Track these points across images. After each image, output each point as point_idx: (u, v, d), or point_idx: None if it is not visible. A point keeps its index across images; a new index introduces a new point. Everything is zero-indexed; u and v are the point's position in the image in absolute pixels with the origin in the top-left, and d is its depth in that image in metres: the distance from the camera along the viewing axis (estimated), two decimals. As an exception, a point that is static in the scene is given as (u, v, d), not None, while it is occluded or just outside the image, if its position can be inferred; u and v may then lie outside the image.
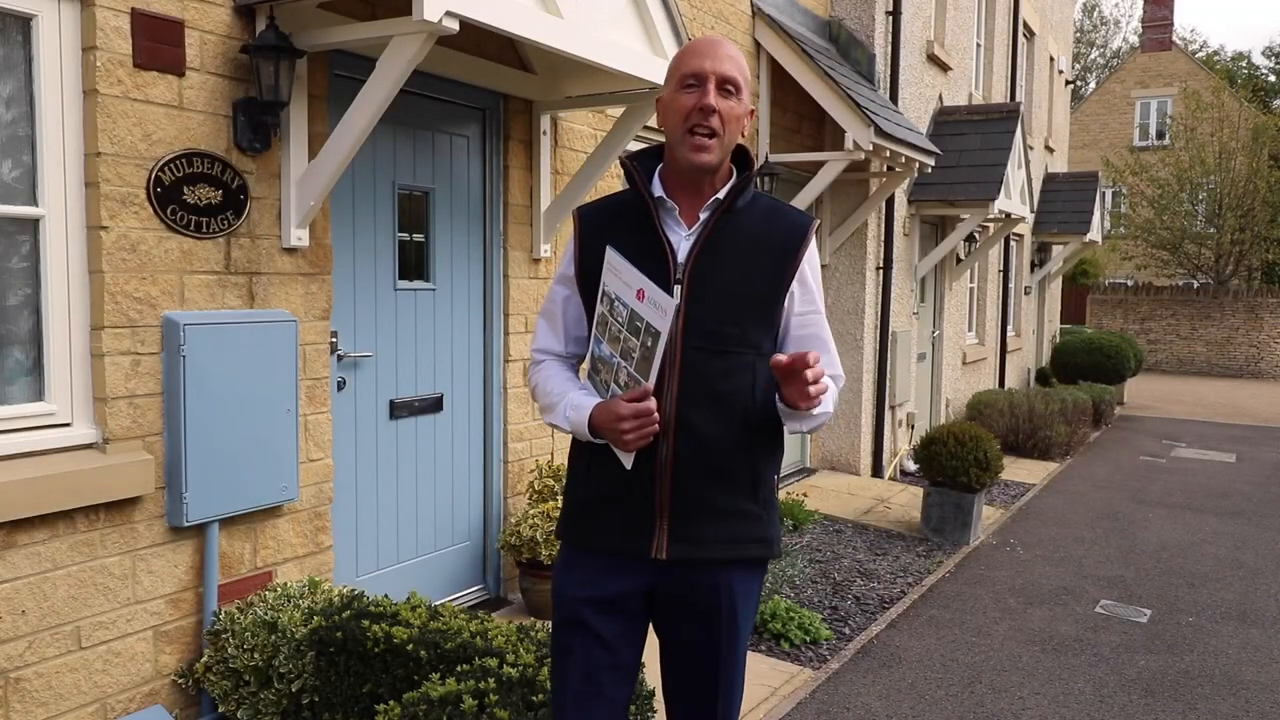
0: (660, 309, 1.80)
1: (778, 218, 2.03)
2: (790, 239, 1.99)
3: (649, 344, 1.83)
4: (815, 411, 1.89)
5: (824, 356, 2.03)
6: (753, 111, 2.03)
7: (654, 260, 1.94)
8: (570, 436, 2.07)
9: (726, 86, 1.92)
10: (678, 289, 1.93)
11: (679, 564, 1.97)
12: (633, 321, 1.86)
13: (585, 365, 2.10)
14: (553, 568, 2.15)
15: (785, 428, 2.02)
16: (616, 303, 1.90)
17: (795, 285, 2.00)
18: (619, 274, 1.89)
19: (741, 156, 2.05)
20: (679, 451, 1.93)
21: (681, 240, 1.98)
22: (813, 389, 1.77)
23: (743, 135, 2.01)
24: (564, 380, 2.09)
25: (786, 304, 2.01)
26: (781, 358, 1.77)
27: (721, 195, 1.99)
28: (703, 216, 1.98)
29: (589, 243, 2.04)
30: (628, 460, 1.94)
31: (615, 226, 2.02)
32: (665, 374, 1.90)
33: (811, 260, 2.04)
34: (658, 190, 2.00)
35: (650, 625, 2.12)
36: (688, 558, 1.96)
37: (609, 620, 2.02)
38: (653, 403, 1.86)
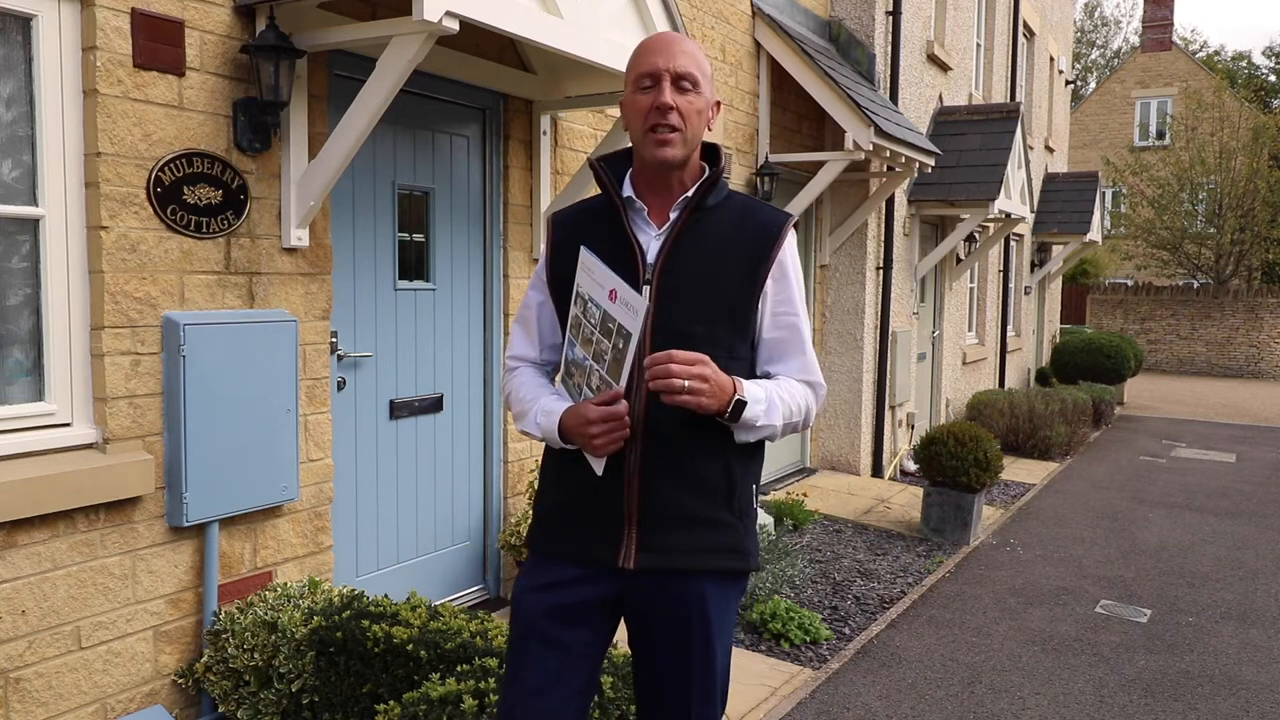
0: (631, 309, 1.76)
1: (751, 216, 1.96)
2: (764, 238, 1.94)
3: (620, 346, 1.79)
4: (759, 423, 1.86)
5: (799, 360, 1.98)
6: (719, 104, 1.99)
7: (624, 261, 1.90)
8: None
9: (683, 82, 1.88)
10: (646, 289, 1.89)
11: (648, 574, 1.89)
12: (605, 323, 1.82)
13: (559, 371, 2.05)
14: (516, 578, 2.06)
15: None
16: (590, 304, 1.87)
17: (769, 285, 1.94)
18: (592, 274, 1.86)
19: (712, 154, 2.01)
20: (647, 457, 1.87)
21: (651, 240, 1.94)
22: (659, 383, 1.75)
23: (709, 128, 1.96)
24: (536, 386, 2.04)
25: (760, 304, 1.94)
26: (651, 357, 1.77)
27: (690, 193, 1.94)
28: (672, 216, 1.94)
29: (561, 246, 2.01)
30: (599, 466, 1.87)
31: (587, 229, 1.98)
32: (634, 377, 1.83)
33: (789, 259, 1.97)
34: (627, 191, 1.97)
35: (610, 642, 2.03)
36: (657, 567, 1.88)
37: (568, 630, 1.93)
38: (623, 406, 1.81)
